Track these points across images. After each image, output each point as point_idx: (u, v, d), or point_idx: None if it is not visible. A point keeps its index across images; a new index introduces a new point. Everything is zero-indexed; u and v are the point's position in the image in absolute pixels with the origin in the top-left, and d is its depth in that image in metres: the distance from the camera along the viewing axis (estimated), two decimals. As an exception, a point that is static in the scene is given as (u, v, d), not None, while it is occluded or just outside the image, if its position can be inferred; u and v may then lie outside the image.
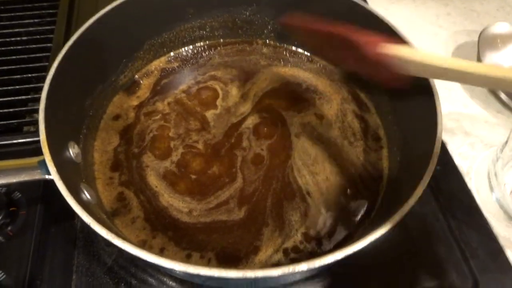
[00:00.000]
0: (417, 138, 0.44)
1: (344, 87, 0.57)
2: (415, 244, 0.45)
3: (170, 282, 0.42)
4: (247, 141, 0.51)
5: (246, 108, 0.54)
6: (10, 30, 0.63)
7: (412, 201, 0.34)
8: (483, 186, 0.51)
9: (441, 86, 0.45)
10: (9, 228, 0.44)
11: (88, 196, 0.40)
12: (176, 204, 0.45)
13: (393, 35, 0.47)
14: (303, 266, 0.31)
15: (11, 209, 0.45)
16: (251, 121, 0.53)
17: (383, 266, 0.43)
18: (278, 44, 0.62)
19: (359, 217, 0.45)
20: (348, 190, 0.47)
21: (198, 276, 0.32)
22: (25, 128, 0.53)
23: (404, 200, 0.35)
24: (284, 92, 0.56)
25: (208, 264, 0.41)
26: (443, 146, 0.53)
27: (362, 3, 0.51)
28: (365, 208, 0.45)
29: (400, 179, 0.45)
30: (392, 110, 0.50)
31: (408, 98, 0.47)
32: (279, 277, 0.31)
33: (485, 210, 0.48)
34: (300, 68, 0.59)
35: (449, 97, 0.61)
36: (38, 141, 0.37)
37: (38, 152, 0.37)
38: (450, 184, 0.50)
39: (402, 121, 0.48)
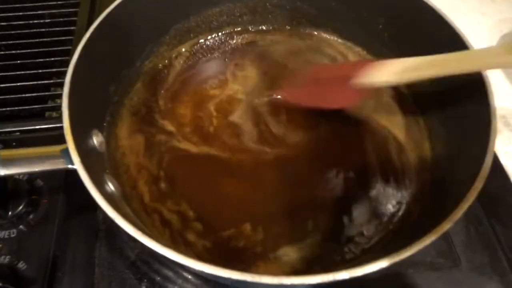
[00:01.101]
0: (466, 138, 0.40)
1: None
2: (456, 250, 0.42)
3: (195, 280, 0.40)
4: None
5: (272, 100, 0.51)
6: (33, 12, 0.61)
7: (465, 206, 0.31)
8: (532, 188, 0.47)
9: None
10: (30, 216, 0.43)
11: (112, 188, 0.39)
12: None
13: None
14: (344, 275, 0.28)
15: (32, 197, 0.43)
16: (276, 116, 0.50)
17: (422, 274, 0.40)
18: (310, 31, 0.58)
19: (397, 220, 0.42)
20: (388, 193, 0.44)
21: (229, 279, 0.29)
22: (47, 114, 0.52)
23: (453, 205, 0.32)
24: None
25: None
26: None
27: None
28: (404, 211, 0.42)
29: (445, 181, 0.41)
30: (437, 108, 0.47)
31: (457, 95, 0.43)
32: (317, 284, 0.28)
33: (534, 215, 0.44)
34: (335, 56, 0.56)
35: (494, 92, 0.56)
36: (61, 127, 0.35)
37: (61, 139, 0.35)
38: (495, 186, 0.46)
39: (449, 119, 0.45)
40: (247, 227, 0.41)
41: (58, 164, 0.35)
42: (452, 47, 0.43)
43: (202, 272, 0.32)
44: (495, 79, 0.57)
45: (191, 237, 0.40)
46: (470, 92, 0.40)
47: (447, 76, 0.39)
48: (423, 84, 0.49)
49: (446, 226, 0.30)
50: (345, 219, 0.41)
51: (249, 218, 0.41)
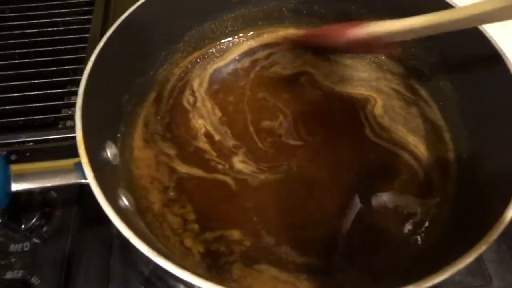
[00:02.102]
0: (496, 146, 0.38)
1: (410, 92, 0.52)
2: (487, 268, 0.39)
3: (211, 298, 0.39)
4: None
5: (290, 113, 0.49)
6: (47, 20, 0.61)
7: (502, 224, 0.29)
8: None
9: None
10: (44, 229, 0.42)
11: (126, 203, 0.37)
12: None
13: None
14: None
15: (45, 209, 0.43)
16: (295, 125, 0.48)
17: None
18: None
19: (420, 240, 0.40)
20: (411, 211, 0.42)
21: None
22: (61, 123, 0.51)
23: (488, 223, 0.30)
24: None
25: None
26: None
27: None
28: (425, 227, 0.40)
29: (473, 193, 0.39)
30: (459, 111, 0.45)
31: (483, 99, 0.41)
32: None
33: None
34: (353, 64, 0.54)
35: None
36: (74, 137, 0.34)
37: (74, 149, 0.34)
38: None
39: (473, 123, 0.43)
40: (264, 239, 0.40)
41: (71, 179, 0.34)
42: (479, 51, 0.41)
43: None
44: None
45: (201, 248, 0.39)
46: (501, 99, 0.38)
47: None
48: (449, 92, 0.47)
49: (482, 247, 0.28)
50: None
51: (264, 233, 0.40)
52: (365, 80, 0.53)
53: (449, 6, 0.44)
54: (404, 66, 0.53)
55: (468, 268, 0.38)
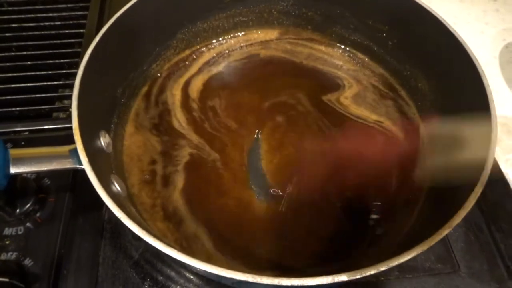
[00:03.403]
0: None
1: (385, 87, 0.55)
2: (455, 256, 0.42)
3: (197, 280, 0.41)
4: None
5: (279, 105, 0.52)
6: (44, 15, 0.62)
7: (463, 213, 0.32)
8: (532, 197, 0.47)
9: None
10: (37, 214, 0.43)
11: (118, 188, 0.39)
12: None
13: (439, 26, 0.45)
14: (343, 277, 0.29)
15: (40, 195, 0.44)
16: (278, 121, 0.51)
17: (422, 279, 0.40)
18: (314, 37, 0.59)
19: (399, 224, 0.42)
20: (388, 197, 0.44)
21: (229, 279, 0.30)
22: (55, 114, 0.53)
23: (450, 212, 0.32)
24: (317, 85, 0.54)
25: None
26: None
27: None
28: (405, 215, 0.43)
29: (444, 188, 0.42)
30: (440, 116, 0.47)
31: (459, 104, 0.44)
32: (316, 286, 0.29)
33: (534, 223, 0.45)
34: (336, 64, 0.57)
35: (495, 99, 0.57)
36: (69, 128, 0.36)
37: (68, 139, 0.36)
38: (495, 193, 0.46)
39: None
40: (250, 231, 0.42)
41: (66, 164, 0.36)
42: (454, 56, 0.44)
43: (205, 272, 0.33)
44: (496, 87, 0.58)
45: (194, 238, 0.41)
46: (472, 101, 0.41)
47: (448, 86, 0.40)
48: (426, 92, 0.50)
49: (444, 232, 0.31)
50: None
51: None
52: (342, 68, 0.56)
53: (421, 8, 0.46)
54: (385, 66, 0.56)
55: (438, 256, 0.41)
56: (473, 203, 0.32)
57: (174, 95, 0.52)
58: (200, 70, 0.55)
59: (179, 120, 0.50)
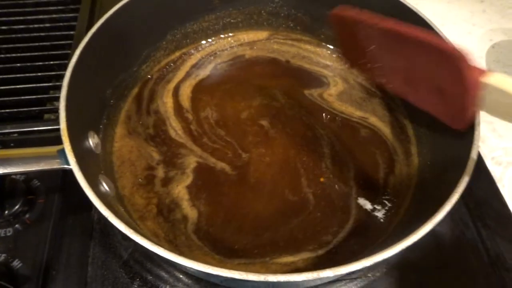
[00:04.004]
0: (450, 142, 0.41)
1: (375, 87, 0.55)
2: (443, 253, 0.43)
3: (186, 279, 0.41)
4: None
5: (274, 109, 0.52)
6: (34, 17, 0.62)
7: (442, 213, 0.32)
8: (518, 194, 0.48)
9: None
10: (26, 216, 0.43)
11: (107, 188, 0.40)
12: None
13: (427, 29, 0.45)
14: (328, 273, 0.29)
15: (29, 197, 0.44)
16: (270, 122, 0.51)
17: (409, 276, 0.41)
18: (304, 37, 0.60)
19: (384, 219, 0.43)
20: (375, 193, 0.45)
21: (217, 276, 0.30)
22: (46, 116, 0.53)
23: (435, 208, 0.33)
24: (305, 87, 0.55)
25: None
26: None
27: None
28: (391, 212, 0.43)
29: (431, 183, 0.42)
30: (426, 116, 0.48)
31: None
32: (302, 282, 0.29)
33: (519, 219, 0.45)
34: (324, 64, 0.57)
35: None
36: (59, 129, 0.36)
37: (58, 140, 0.36)
38: (481, 191, 0.47)
39: (433, 123, 0.46)
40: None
41: (54, 164, 0.36)
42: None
43: (192, 269, 0.33)
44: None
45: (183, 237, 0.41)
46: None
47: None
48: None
49: (428, 226, 0.31)
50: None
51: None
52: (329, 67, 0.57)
53: (408, 10, 0.47)
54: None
55: (425, 252, 0.42)
56: (455, 200, 0.33)
57: (166, 103, 0.52)
58: (187, 74, 0.55)
59: (175, 129, 0.50)
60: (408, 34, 0.36)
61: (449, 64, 0.33)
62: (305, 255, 0.40)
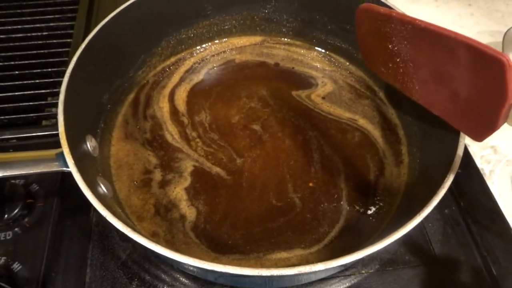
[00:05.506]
0: (438, 140, 0.42)
1: (364, 88, 0.56)
2: (434, 248, 0.44)
3: (183, 279, 0.42)
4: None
5: (264, 113, 0.53)
6: (32, 25, 0.64)
7: (429, 208, 0.33)
8: (506, 190, 0.49)
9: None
10: (26, 219, 0.44)
11: (105, 190, 0.40)
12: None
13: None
14: (320, 266, 0.30)
15: (28, 201, 0.45)
16: (267, 128, 0.52)
17: (401, 271, 0.42)
18: (296, 42, 0.61)
19: (375, 218, 0.44)
20: (366, 189, 0.46)
21: (212, 272, 0.31)
22: (44, 122, 0.54)
23: (422, 205, 0.34)
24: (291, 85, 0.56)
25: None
26: (465, 149, 0.51)
27: (383, 1, 0.50)
28: (383, 211, 0.44)
29: (421, 181, 0.44)
30: (412, 110, 0.49)
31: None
32: (295, 276, 0.30)
33: (508, 215, 0.46)
34: (313, 66, 0.59)
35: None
36: (57, 135, 0.37)
37: (56, 145, 0.37)
38: (471, 188, 0.48)
39: (423, 122, 0.47)
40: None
41: (53, 167, 0.37)
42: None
43: (188, 266, 0.34)
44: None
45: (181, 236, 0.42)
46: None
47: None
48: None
49: (416, 221, 0.32)
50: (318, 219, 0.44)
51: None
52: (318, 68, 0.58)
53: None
54: (364, 69, 0.58)
55: (416, 248, 0.43)
56: (440, 196, 0.34)
57: (162, 107, 0.53)
58: (182, 79, 0.57)
59: (172, 133, 0.51)
60: (445, 34, 0.33)
61: (488, 70, 0.30)
62: (298, 252, 0.41)
